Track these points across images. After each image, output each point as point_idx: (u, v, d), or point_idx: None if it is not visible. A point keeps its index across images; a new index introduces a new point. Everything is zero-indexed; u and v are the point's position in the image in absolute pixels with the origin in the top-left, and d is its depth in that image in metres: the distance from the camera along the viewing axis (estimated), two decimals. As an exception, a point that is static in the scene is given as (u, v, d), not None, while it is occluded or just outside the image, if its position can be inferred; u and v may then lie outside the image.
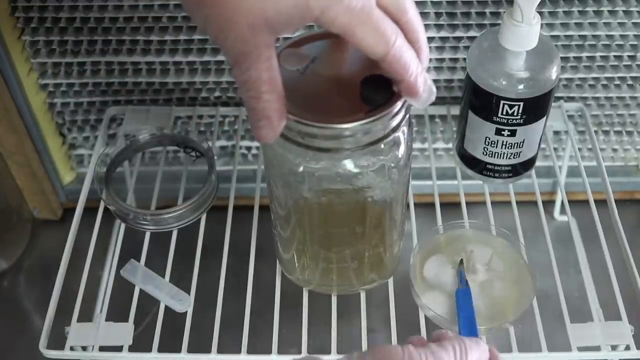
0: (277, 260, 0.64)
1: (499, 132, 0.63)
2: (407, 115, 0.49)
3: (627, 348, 0.57)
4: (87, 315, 0.61)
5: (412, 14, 0.44)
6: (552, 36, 0.70)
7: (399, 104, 0.47)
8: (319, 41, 0.51)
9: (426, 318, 0.60)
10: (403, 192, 0.56)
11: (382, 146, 0.49)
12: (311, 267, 0.60)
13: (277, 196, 0.55)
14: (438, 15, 0.70)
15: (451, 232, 0.65)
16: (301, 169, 0.50)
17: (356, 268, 0.60)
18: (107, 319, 0.59)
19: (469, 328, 0.56)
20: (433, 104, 0.76)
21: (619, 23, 0.70)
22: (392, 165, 0.51)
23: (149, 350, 0.58)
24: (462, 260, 0.61)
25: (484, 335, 0.58)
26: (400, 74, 0.44)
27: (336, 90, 0.48)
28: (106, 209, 0.67)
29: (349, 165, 0.49)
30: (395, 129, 0.48)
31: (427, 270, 0.62)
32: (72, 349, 0.58)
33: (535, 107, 0.62)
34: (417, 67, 0.44)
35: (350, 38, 0.42)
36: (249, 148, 0.82)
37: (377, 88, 0.46)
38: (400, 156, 0.51)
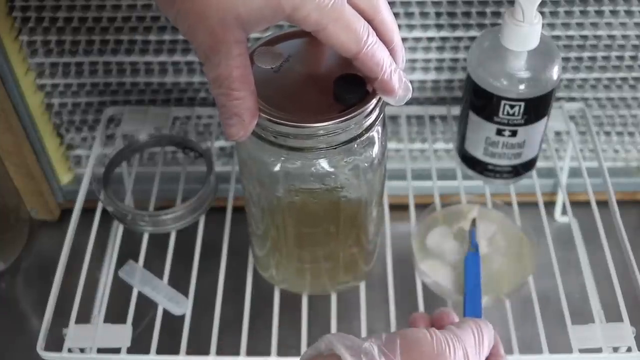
0: (253, 258, 0.64)
1: (499, 132, 0.63)
2: (382, 115, 0.49)
3: (629, 350, 0.57)
4: (85, 317, 0.60)
5: (386, 14, 0.45)
6: (553, 36, 0.70)
7: (372, 103, 0.47)
8: (294, 39, 0.50)
9: (424, 290, 0.61)
10: (378, 192, 0.56)
11: (355, 146, 0.49)
12: (285, 265, 0.60)
13: (251, 195, 0.55)
14: (438, 15, 0.69)
15: (454, 207, 0.67)
16: (274, 168, 0.50)
17: (330, 268, 0.59)
18: (105, 321, 0.59)
19: (473, 303, 0.57)
20: (433, 104, 0.77)
21: (620, 23, 0.70)
22: (366, 165, 0.51)
23: (148, 352, 0.57)
24: (474, 220, 0.62)
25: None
26: (374, 72, 0.44)
27: (310, 89, 0.47)
28: (104, 210, 0.67)
29: (322, 164, 0.49)
30: (369, 128, 0.48)
31: (429, 239, 0.64)
32: (70, 350, 0.57)
33: (537, 107, 0.61)
34: (390, 64, 0.45)
35: (322, 36, 0.43)
36: (248, 148, 0.82)
37: (351, 87, 0.46)
38: (374, 156, 0.51)
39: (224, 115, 0.44)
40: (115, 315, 0.60)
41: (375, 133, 0.50)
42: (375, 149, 0.51)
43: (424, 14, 0.69)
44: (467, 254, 0.60)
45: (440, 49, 0.72)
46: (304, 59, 0.49)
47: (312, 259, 0.58)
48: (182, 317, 0.60)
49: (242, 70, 0.42)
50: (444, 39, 0.71)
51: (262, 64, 0.48)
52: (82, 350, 0.58)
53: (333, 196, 0.52)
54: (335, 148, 0.47)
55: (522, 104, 0.60)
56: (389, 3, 0.46)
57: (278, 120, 0.45)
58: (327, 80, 0.47)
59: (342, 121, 0.45)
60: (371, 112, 0.47)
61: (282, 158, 0.49)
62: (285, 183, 0.51)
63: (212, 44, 0.41)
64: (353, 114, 0.46)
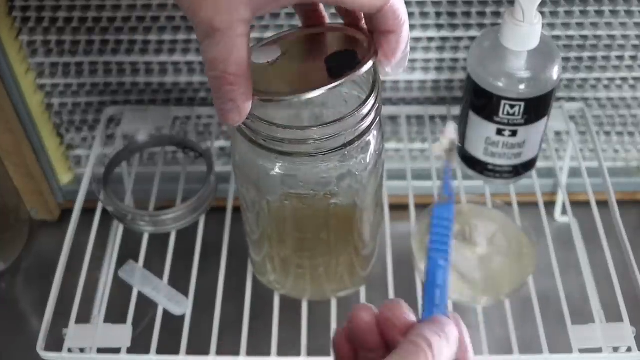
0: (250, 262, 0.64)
1: (499, 132, 0.63)
2: (377, 119, 0.48)
3: (629, 350, 0.57)
4: (85, 317, 0.60)
5: None
6: (553, 36, 0.70)
7: (368, 105, 0.46)
8: (292, 39, 0.49)
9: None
10: (373, 199, 0.55)
11: (346, 152, 0.48)
12: (280, 271, 0.59)
13: (245, 199, 0.55)
14: (438, 15, 0.69)
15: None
16: (266, 172, 0.49)
17: (325, 274, 0.59)
18: (105, 321, 0.59)
19: (434, 299, 0.37)
20: (433, 104, 0.77)
21: (620, 23, 0.70)
22: (359, 172, 0.50)
23: (148, 352, 0.57)
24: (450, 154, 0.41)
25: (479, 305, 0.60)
26: (394, 25, 0.43)
27: (303, 80, 0.46)
28: (104, 210, 0.67)
29: (313, 170, 0.49)
30: (361, 135, 0.47)
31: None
32: (70, 350, 0.57)
33: (537, 107, 0.61)
34: (407, 18, 0.44)
35: (343, 2, 0.41)
36: (248, 148, 0.82)
37: (343, 59, 0.45)
38: (367, 162, 0.50)
39: (218, 100, 0.42)
40: (115, 315, 0.60)
41: (372, 137, 0.49)
42: (370, 155, 0.50)
43: (424, 14, 0.69)
44: (433, 205, 0.39)
45: (440, 49, 0.72)
46: (299, 52, 0.48)
47: (306, 264, 0.58)
48: (182, 317, 0.60)
49: (240, 53, 0.40)
50: (444, 39, 0.71)
51: (258, 60, 0.47)
52: (82, 350, 0.58)
53: (323, 202, 0.51)
54: (324, 154, 0.47)
55: (522, 104, 0.60)
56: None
57: (266, 97, 0.44)
58: (320, 73, 0.45)
59: (332, 87, 0.43)
60: (366, 116, 0.46)
61: (278, 163, 0.49)
62: (276, 187, 0.50)
63: (215, 21, 0.39)
64: (343, 79, 0.43)
